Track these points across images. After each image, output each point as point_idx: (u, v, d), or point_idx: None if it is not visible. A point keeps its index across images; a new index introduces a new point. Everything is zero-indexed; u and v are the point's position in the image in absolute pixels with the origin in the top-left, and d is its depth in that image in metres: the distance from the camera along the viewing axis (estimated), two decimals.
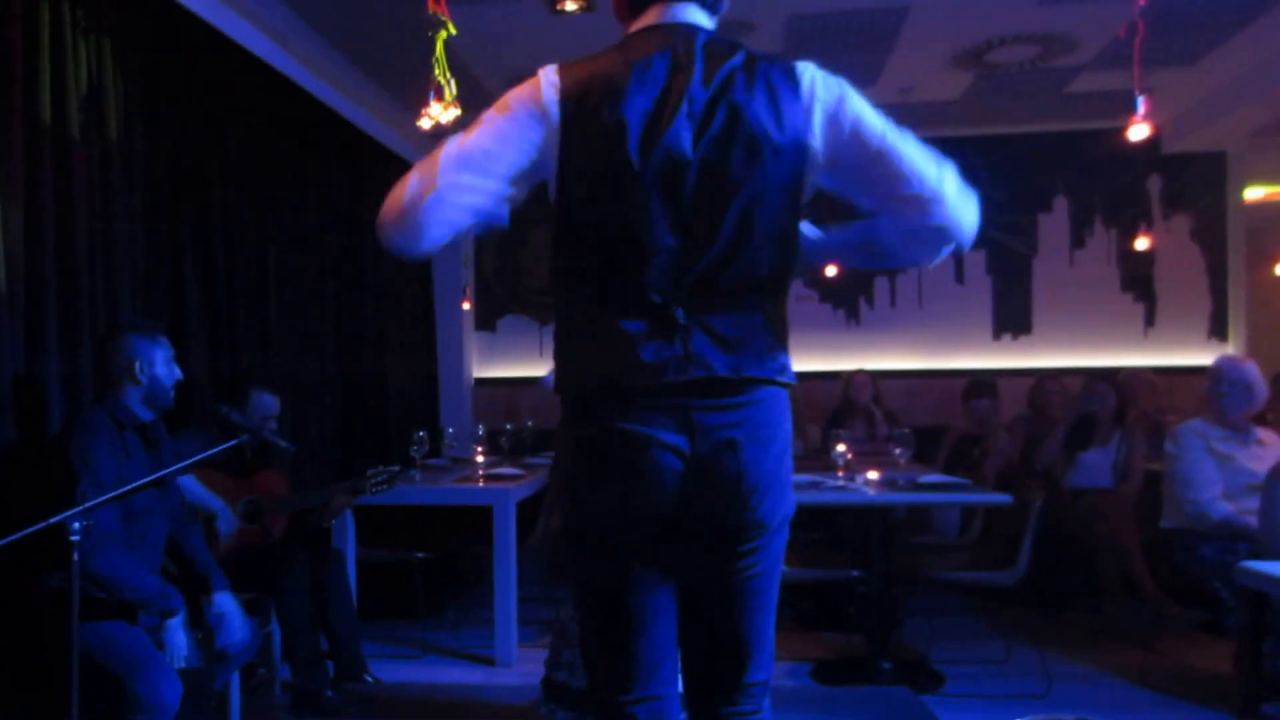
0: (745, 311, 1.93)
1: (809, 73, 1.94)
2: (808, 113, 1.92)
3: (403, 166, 7.25)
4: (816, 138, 1.92)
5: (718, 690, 2.06)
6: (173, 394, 3.44)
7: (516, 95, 1.94)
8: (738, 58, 1.93)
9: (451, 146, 1.91)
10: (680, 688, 2.10)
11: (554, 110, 1.90)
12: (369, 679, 4.61)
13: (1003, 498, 4.59)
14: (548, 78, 1.93)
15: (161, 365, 3.39)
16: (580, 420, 1.98)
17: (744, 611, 2.02)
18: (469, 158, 1.89)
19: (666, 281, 1.88)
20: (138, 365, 3.34)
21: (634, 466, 1.90)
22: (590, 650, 2.11)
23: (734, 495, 1.92)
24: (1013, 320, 8.20)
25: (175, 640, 3.17)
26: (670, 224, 1.88)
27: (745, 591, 2.00)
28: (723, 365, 1.89)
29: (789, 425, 2.01)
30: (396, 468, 4.64)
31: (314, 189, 6.25)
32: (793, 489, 2.03)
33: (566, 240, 1.96)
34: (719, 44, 1.95)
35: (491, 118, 1.93)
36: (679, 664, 2.10)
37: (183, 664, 3.18)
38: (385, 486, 4.51)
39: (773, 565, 2.02)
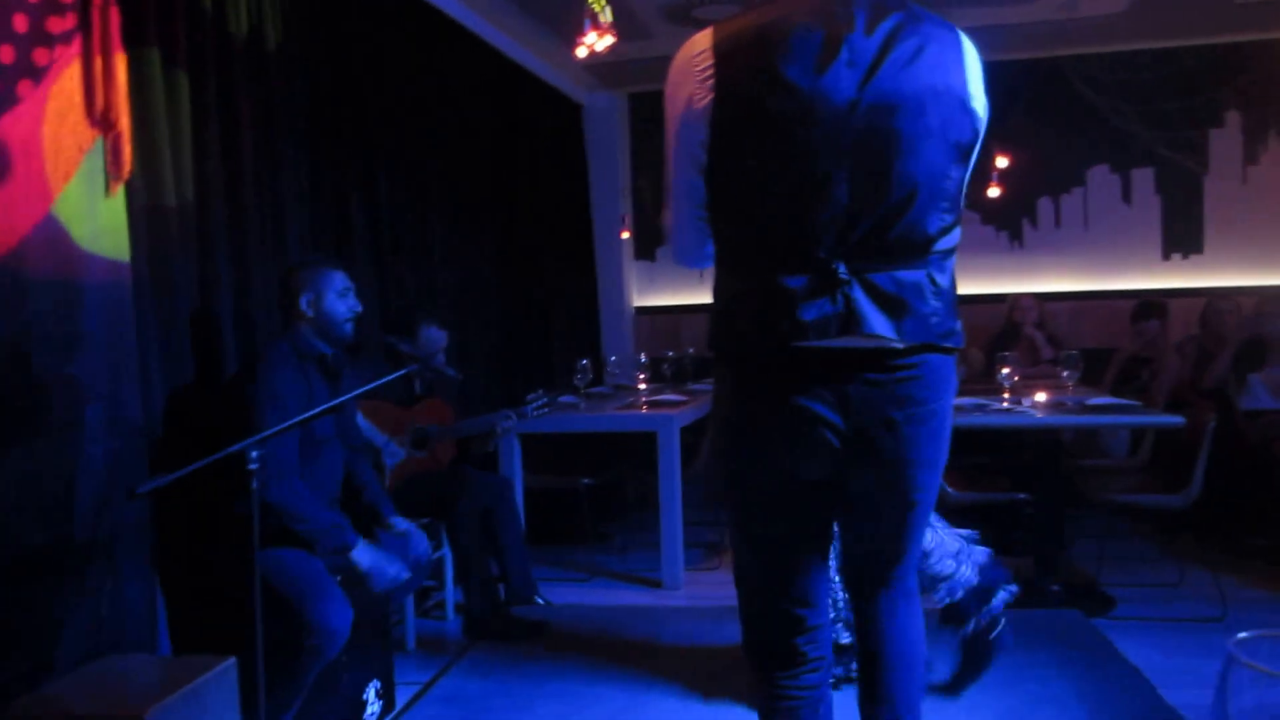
0: (910, 270, 1.83)
1: (965, 38, 1.88)
2: (968, 74, 1.84)
3: (556, 98, 7.28)
4: (975, 100, 1.85)
5: (875, 579, 2.13)
6: (349, 328, 3.37)
7: (670, 94, 1.92)
8: (899, 11, 1.82)
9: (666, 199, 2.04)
10: (828, 616, 2.17)
11: (708, 77, 1.84)
12: (540, 601, 4.61)
13: (1175, 419, 4.35)
14: (698, 46, 1.88)
15: (332, 299, 3.32)
16: (735, 383, 1.95)
17: (902, 527, 2.04)
18: (673, 195, 2.00)
19: (829, 236, 1.79)
20: (305, 299, 3.31)
21: (787, 438, 1.89)
22: (744, 580, 2.17)
23: (889, 472, 1.92)
24: (1183, 240, 7.75)
25: (366, 567, 3.17)
26: (832, 177, 1.78)
27: (903, 518, 2.03)
28: (884, 326, 1.80)
29: (951, 395, 1.95)
30: (557, 392, 4.65)
31: (469, 121, 6.19)
32: (948, 451, 2.01)
33: (725, 195, 1.90)
34: None
35: (668, 150, 1.96)
36: (828, 592, 2.16)
37: (389, 583, 3.23)
38: (546, 410, 4.50)
39: (930, 498, 2.03)
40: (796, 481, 1.95)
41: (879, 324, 1.79)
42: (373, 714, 3.36)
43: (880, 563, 2.10)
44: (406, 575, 3.38)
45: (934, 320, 1.84)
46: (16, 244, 2.66)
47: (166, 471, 2.49)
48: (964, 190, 1.90)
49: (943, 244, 1.86)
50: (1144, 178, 7.74)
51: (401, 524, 3.56)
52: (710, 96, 1.83)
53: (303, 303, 3.32)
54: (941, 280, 1.87)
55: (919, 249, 1.83)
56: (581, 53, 4.03)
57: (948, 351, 1.90)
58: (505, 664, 3.94)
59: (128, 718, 2.31)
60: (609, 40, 4.01)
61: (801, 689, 2.10)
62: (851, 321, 1.79)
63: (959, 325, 1.91)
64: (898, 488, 1.96)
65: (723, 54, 1.84)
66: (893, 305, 1.80)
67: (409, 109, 5.36)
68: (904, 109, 1.76)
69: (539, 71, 6.94)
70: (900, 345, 1.81)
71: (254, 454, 2.56)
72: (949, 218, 1.85)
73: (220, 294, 3.61)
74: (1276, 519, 5.30)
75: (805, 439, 1.87)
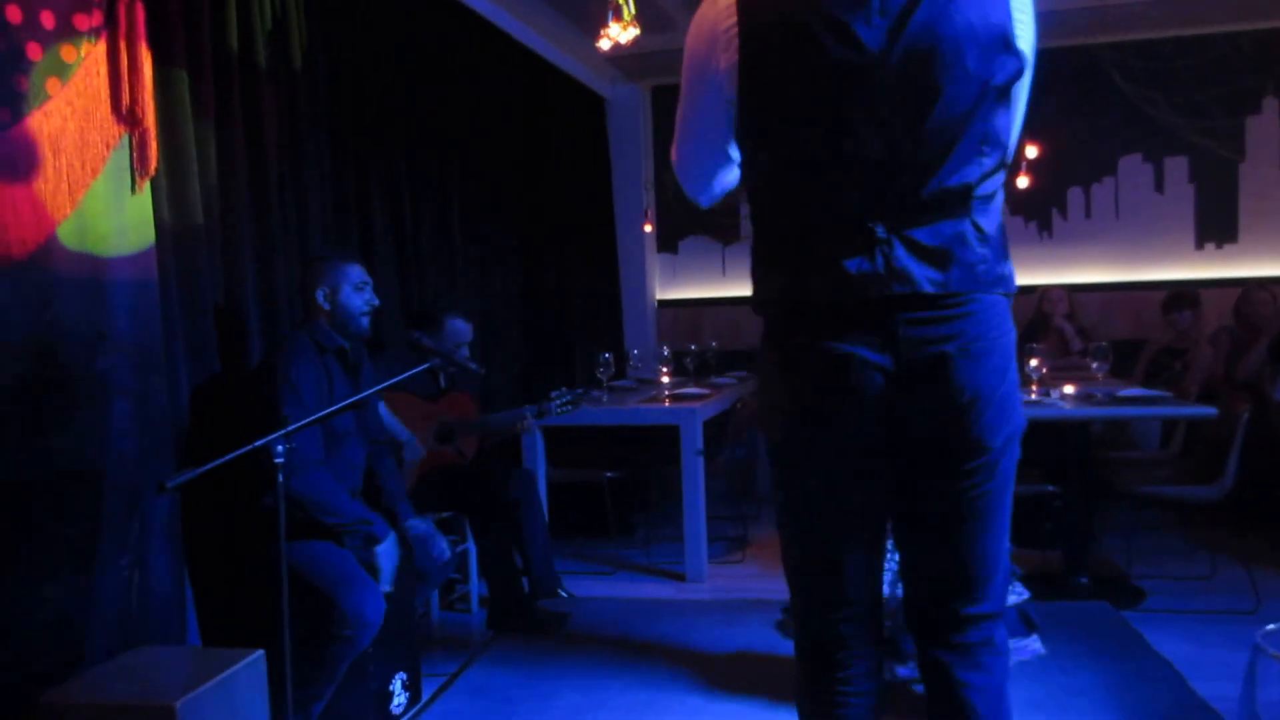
0: (952, 221, 1.74)
1: None
2: (1012, 5, 1.73)
3: (579, 92, 7.30)
4: (1020, 40, 1.75)
5: (944, 620, 1.91)
6: (365, 322, 3.42)
7: (691, 47, 1.89)
8: None
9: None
10: (881, 614, 2.03)
11: (734, 33, 1.79)
12: (563, 594, 4.67)
13: (1208, 410, 4.35)
14: (721, 1, 1.83)
15: (348, 292, 3.37)
16: (778, 340, 1.87)
17: (968, 535, 1.85)
18: (682, 135, 2.00)
19: (865, 192, 1.73)
20: (322, 292, 3.36)
21: (836, 386, 1.78)
22: (792, 566, 2.03)
23: (948, 413, 1.76)
24: (1217, 229, 7.68)
25: (386, 565, 3.22)
26: (866, 131, 1.71)
27: (968, 514, 1.84)
28: (927, 281, 1.72)
29: (1011, 336, 1.81)
30: (580, 390, 4.70)
31: (491, 115, 6.23)
32: (1020, 403, 1.85)
33: (759, 153, 1.86)
34: None
35: (683, 87, 1.93)
36: (880, 586, 2.02)
37: (389, 588, 3.25)
38: (570, 407, 4.55)
39: (1001, 486, 1.85)
40: (848, 445, 1.83)
41: (923, 280, 1.72)
42: (399, 705, 3.42)
43: (949, 582, 1.90)
44: (445, 558, 3.48)
45: (981, 268, 1.76)
46: (45, 240, 2.72)
47: (194, 464, 2.55)
48: (1015, 130, 1.85)
49: (985, 188, 1.77)
50: (1177, 166, 7.68)
51: (417, 527, 3.58)
52: (736, 56, 1.79)
53: (319, 295, 3.37)
54: (986, 225, 1.77)
55: (960, 198, 1.74)
56: (604, 45, 4.06)
57: (1001, 295, 1.81)
58: (530, 656, 4.00)
59: (158, 709, 2.36)
60: (633, 32, 4.03)
61: (851, 693, 1.99)
62: (893, 278, 1.72)
63: (1010, 269, 1.83)
64: (964, 441, 1.79)
65: (747, 9, 1.79)
66: (936, 258, 1.73)
67: (430, 102, 5.40)
68: (939, 55, 1.68)
69: (561, 64, 6.97)
70: (944, 295, 1.74)
71: (279, 448, 2.61)
72: (990, 161, 1.76)
73: (244, 288, 3.67)
74: None
75: (852, 382, 1.76)
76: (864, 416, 1.79)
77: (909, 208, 1.73)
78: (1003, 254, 1.81)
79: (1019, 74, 1.76)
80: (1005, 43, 1.72)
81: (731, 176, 2.04)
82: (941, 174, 1.72)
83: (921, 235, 1.73)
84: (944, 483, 1.84)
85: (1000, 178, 1.80)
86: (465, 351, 4.55)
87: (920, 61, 1.69)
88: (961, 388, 1.75)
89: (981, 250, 1.76)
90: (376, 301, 3.48)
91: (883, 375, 1.76)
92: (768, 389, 1.94)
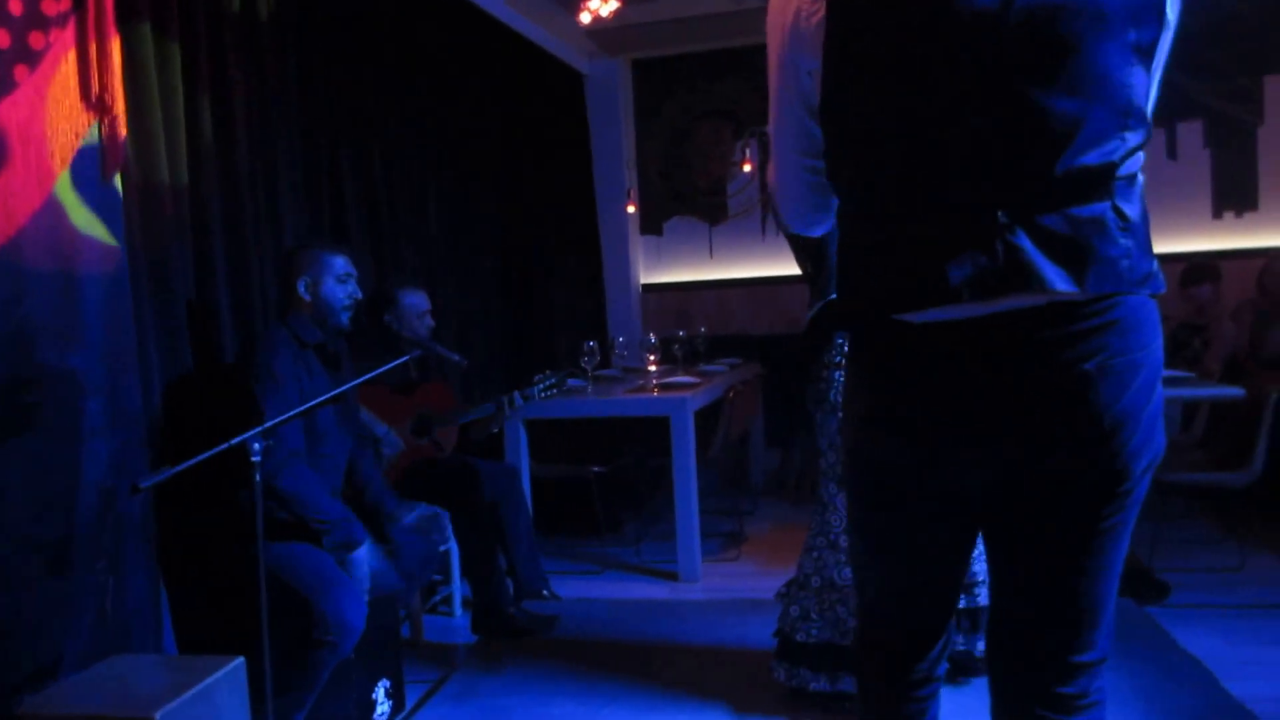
0: (1089, 204, 1.55)
1: None
2: None
3: (557, 67, 7.32)
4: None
5: (1046, 666, 1.76)
6: (345, 316, 3.49)
7: (773, 24, 1.79)
8: None
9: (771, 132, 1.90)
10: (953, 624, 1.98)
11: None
12: (548, 595, 4.74)
13: (1234, 390, 4.41)
14: None
15: (330, 284, 3.45)
16: (864, 365, 1.76)
17: (1090, 575, 1.70)
18: (778, 144, 1.90)
19: (981, 172, 1.55)
20: (304, 282, 3.44)
21: (937, 422, 1.66)
22: (864, 587, 1.99)
23: (1087, 444, 1.60)
24: (1236, 196, 7.75)
25: (360, 573, 3.28)
26: (981, 98, 1.54)
27: (1095, 550, 1.68)
28: (1059, 278, 1.53)
29: (1159, 344, 1.63)
30: (565, 371, 4.74)
31: (467, 94, 6.31)
32: (1163, 425, 1.68)
33: (844, 133, 1.71)
34: None
35: (771, 89, 1.84)
36: (958, 601, 1.96)
37: (380, 592, 3.33)
38: (554, 390, 4.61)
39: (1130, 518, 1.70)
40: (945, 492, 1.73)
41: (1054, 276, 1.53)
42: (383, 714, 3.49)
43: (1060, 625, 1.74)
44: (402, 585, 3.54)
45: (1125, 264, 1.56)
46: (15, 233, 2.79)
47: (169, 464, 2.61)
48: (1154, 99, 1.66)
49: (1128, 167, 1.58)
50: (1191, 131, 7.74)
51: (409, 517, 3.64)
52: (822, 13, 1.66)
53: (300, 286, 3.44)
54: (1130, 212, 1.57)
55: (1098, 178, 1.55)
56: (585, 19, 4.10)
57: (1148, 295, 1.62)
58: (518, 662, 4.08)
59: None
60: (614, 5, 4.07)
61: (917, 700, 1.97)
62: (1017, 276, 1.53)
63: (1156, 266, 1.62)
64: (1088, 479, 1.63)
65: None
66: (1070, 250, 1.53)
67: (404, 81, 5.48)
68: (1069, 6, 1.50)
69: (537, 39, 7.01)
70: (1080, 300, 1.55)
71: (257, 445, 2.66)
72: (1135, 136, 1.56)
73: (216, 278, 3.77)
74: None
75: (962, 432, 1.64)
76: (976, 460, 1.67)
77: (1036, 189, 1.55)
78: (1148, 247, 1.62)
79: (1163, 30, 1.59)
80: None
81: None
82: (1078, 146, 1.53)
83: (1052, 222, 1.54)
84: (1072, 517, 1.67)
85: (1141, 158, 1.61)
86: (430, 322, 4.58)
87: (1047, 13, 1.51)
88: (1103, 413, 1.58)
89: (1125, 242, 1.56)
90: (359, 295, 3.56)
91: (1007, 419, 1.62)
92: (852, 406, 1.83)
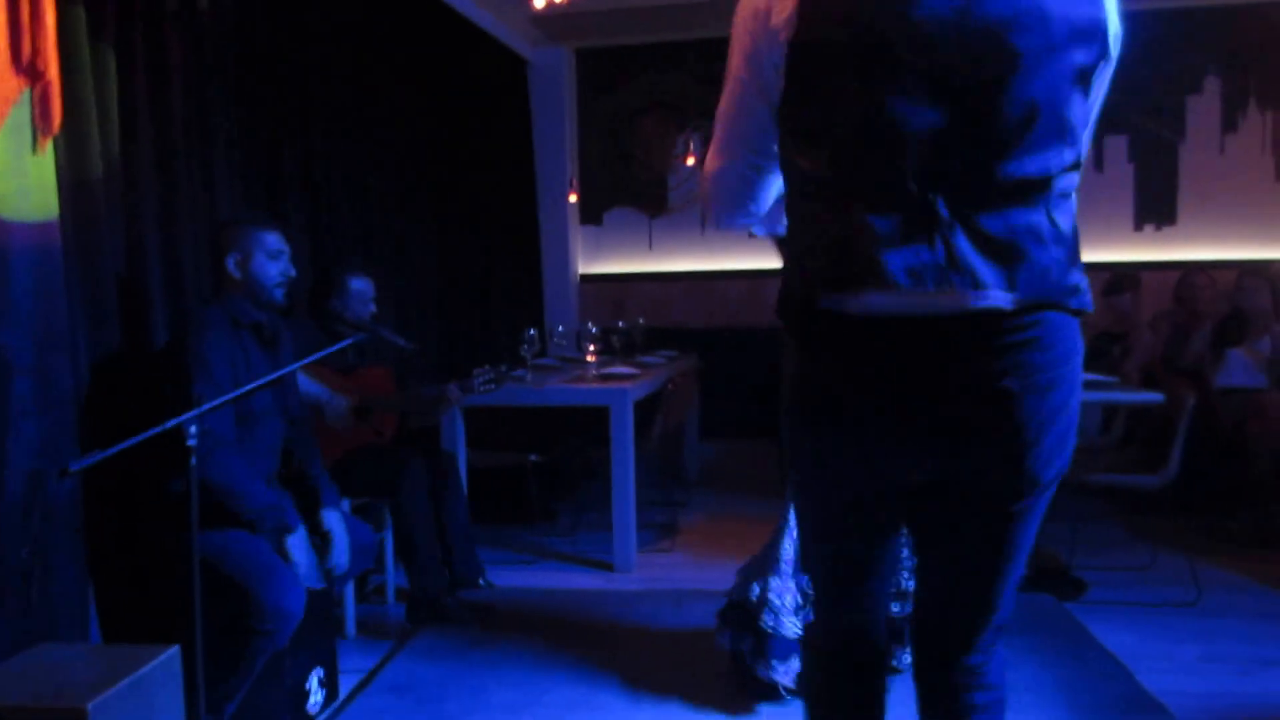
0: (1026, 210, 1.61)
1: None
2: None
3: (501, 53, 7.24)
4: (1108, 14, 1.66)
5: (954, 638, 1.93)
6: (279, 293, 3.37)
7: (741, 19, 1.79)
8: None
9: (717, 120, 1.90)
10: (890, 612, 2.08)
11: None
12: (483, 584, 4.68)
13: (1154, 396, 4.49)
14: None
15: (261, 260, 3.32)
16: (805, 355, 1.77)
17: (1000, 565, 1.83)
18: (728, 135, 1.89)
19: (928, 169, 1.60)
20: (233, 259, 3.31)
21: (873, 430, 1.71)
22: (815, 580, 2.07)
23: (1002, 454, 1.68)
24: (1156, 210, 7.93)
25: (297, 559, 3.18)
26: (934, 98, 1.60)
27: (1005, 546, 1.81)
28: (993, 277, 1.59)
29: (1079, 361, 1.71)
30: (503, 367, 4.69)
31: (408, 78, 6.19)
32: (1075, 432, 1.75)
33: (801, 124, 1.73)
34: None
35: (729, 82, 1.84)
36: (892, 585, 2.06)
37: (312, 583, 3.22)
38: (493, 386, 4.55)
39: (1039, 505, 1.80)
40: (879, 479, 1.79)
41: (987, 275, 1.59)
42: (316, 704, 3.41)
43: (973, 607, 1.90)
44: (344, 570, 3.47)
45: (1055, 272, 1.62)
46: None
47: (99, 448, 2.50)
48: (1091, 130, 1.75)
49: (1063, 184, 1.64)
50: (1117, 145, 7.90)
51: (333, 522, 3.49)
52: (792, 8, 1.68)
53: (229, 263, 3.32)
54: (1063, 223, 1.64)
55: (1036, 187, 1.61)
56: (539, 3, 4.04)
57: (1072, 313, 1.67)
58: (454, 650, 4.01)
59: (68, 711, 2.31)
60: None
61: (865, 688, 2.07)
62: (952, 270, 1.59)
63: (1085, 282, 1.69)
64: (1005, 482, 1.72)
65: None
66: (1003, 252, 1.59)
67: (344, 62, 5.37)
68: (1020, 19, 1.57)
69: (482, 23, 6.91)
70: (1009, 306, 1.60)
71: (193, 429, 2.57)
72: (1069, 154, 1.63)
73: (148, 256, 3.62)
74: (1250, 501, 5.49)
75: (892, 426, 1.69)
76: (908, 466, 1.75)
77: (977, 190, 1.61)
78: (1077, 263, 1.68)
79: (1102, 59, 1.66)
80: (1093, 20, 1.63)
81: (775, 187, 1.93)
82: (1020, 154, 1.60)
83: (989, 223, 1.60)
84: (987, 519, 1.79)
85: (1075, 180, 1.68)
86: (372, 308, 4.51)
87: (1000, 25, 1.57)
88: (1023, 425, 1.65)
89: (1056, 251, 1.63)
90: (293, 272, 3.43)
91: (933, 417, 1.67)
92: (792, 395, 1.83)
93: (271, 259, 3.35)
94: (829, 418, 1.76)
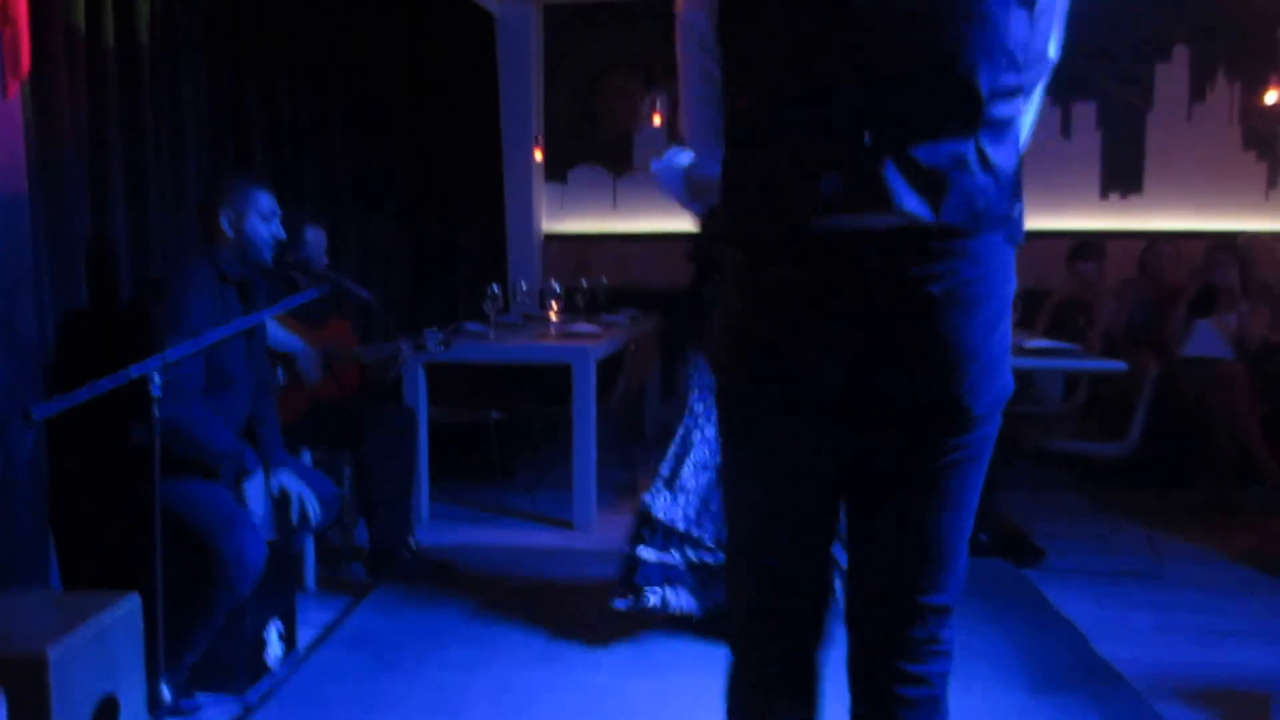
0: (955, 139, 1.58)
1: None
2: None
3: (467, 7, 7.18)
4: None
5: (891, 608, 1.80)
6: (268, 253, 3.40)
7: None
8: None
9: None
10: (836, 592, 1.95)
11: None
12: (411, 542, 4.60)
13: (1118, 364, 4.55)
14: None
15: (255, 220, 3.35)
16: (739, 273, 1.74)
17: (932, 512, 1.74)
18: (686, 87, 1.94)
19: (853, 98, 1.58)
20: (227, 216, 3.33)
21: (799, 327, 1.65)
22: (735, 539, 1.94)
23: (926, 369, 1.62)
24: (1123, 178, 7.96)
25: (253, 507, 3.22)
26: (855, 26, 1.57)
27: (936, 488, 1.72)
28: (918, 205, 1.56)
29: (1011, 287, 1.67)
30: (452, 326, 4.70)
31: (373, 32, 6.16)
32: (1010, 367, 1.71)
33: (735, 59, 1.73)
34: None
35: (677, 27, 1.88)
36: (831, 566, 1.92)
37: (264, 533, 3.24)
38: (444, 347, 4.56)
39: (976, 458, 1.73)
40: (809, 390, 1.68)
41: (910, 201, 1.56)
42: (275, 656, 3.43)
43: (908, 566, 1.78)
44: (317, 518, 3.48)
45: (980, 199, 1.59)
46: None
47: (63, 394, 2.49)
48: (1046, 49, 1.71)
49: (1000, 109, 1.61)
50: (1085, 112, 7.90)
51: (288, 480, 3.49)
52: None
53: (223, 219, 3.33)
54: (994, 155, 1.61)
55: (966, 116, 1.58)
56: None
57: (1004, 240, 1.65)
58: (413, 605, 4.06)
59: (27, 657, 2.32)
60: None
61: (792, 666, 1.91)
62: (878, 198, 1.57)
63: (1019, 214, 1.68)
64: (941, 402, 1.65)
65: None
66: (928, 180, 1.57)
67: (310, 17, 5.32)
68: None
69: None
70: (932, 223, 1.58)
71: (157, 378, 2.57)
72: (1009, 78, 1.60)
73: (114, 209, 3.61)
74: (1210, 470, 5.58)
75: (818, 323, 1.63)
76: (833, 366, 1.65)
77: (904, 118, 1.59)
78: (1010, 193, 1.65)
79: None
80: None
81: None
82: (945, 82, 1.58)
83: (917, 153, 1.57)
84: (914, 450, 1.71)
85: (1019, 105, 1.67)
86: (325, 260, 4.51)
87: None
88: (945, 339, 1.60)
89: (983, 180, 1.59)
90: (283, 234, 3.47)
91: (856, 317, 1.61)
92: (727, 326, 1.79)
93: (264, 220, 3.39)
94: (757, 344, 1.72)
